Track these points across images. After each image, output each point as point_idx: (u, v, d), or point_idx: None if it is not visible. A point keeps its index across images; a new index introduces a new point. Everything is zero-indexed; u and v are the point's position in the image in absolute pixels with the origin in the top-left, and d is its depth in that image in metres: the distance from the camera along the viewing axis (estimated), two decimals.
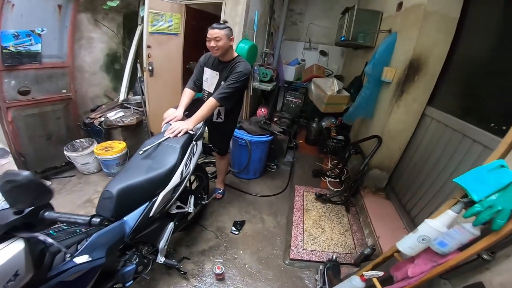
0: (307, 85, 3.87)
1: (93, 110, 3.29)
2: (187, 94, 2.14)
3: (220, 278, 1.78)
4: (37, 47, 2.45)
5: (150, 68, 3.07)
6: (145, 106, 3.24)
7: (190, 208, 1.82)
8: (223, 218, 2.46)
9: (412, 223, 2.14)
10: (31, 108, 2.58)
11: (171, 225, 1.66)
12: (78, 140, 3.00)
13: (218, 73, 2.00)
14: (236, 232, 2.29)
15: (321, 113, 3.56)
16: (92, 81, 3.18)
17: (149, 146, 1.54)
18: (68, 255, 0.97)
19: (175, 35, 3.24)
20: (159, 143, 1.59)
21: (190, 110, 2.09)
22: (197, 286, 1.78)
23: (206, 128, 2.32)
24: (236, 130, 2.84)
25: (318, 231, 2.31)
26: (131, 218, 1.29)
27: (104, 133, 3.08)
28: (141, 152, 1.50)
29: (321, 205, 2.65)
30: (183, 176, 1.58)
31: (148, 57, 3.00)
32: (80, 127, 3.08)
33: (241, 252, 2.10)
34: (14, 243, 0.84)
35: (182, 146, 1.61)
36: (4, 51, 2.27)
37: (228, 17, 2.89)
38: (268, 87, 3.29)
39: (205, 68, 2.08)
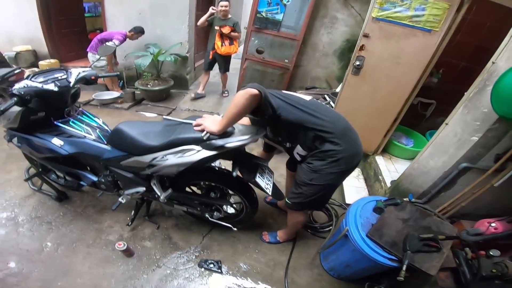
0: None
1: (307, 89, 3.32)
2: None
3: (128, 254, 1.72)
4: (279, 16, 2.78)
5: (358, 64, 2.32)
6: (334, 106, 2.68)
7: (161, 196, 1.60)
8: (219, 248, 1.85)
9: None
10: (259, 65, 3.20)
11: (139, 188, 1.63)
12: None
13: None
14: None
15: None
16: (320, 62, 3.09)
17: (177, 119, 1.51)
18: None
19: (426, 32, 2.03)
20: (181, 122, 1.47)
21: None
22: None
23: None
24: (371, 207, 1.60)
25: None
26: (111, 152, 1.52)
27: None
28: (164, 116, 1.60)
29: None
30: (153, 162, 1.41)
31: (361, 49, 2.25)
32: None
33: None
34: None
35: (176, 140, 1.35)
36: (258, 15, 2.85)
37: None
38: None
39: None
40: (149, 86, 3.78)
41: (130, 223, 1.90)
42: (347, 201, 2.39)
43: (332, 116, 1.34)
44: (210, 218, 1.77)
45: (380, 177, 2.52)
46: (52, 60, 4.11)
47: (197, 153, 1.31)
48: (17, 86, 1.43)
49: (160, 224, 1.96)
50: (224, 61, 3.82)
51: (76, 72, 1.66)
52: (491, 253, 1.36)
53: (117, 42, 3.40)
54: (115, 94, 3.72)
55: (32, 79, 1.50)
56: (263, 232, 1.97)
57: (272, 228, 2.04)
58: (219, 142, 1.29)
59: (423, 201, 1.87)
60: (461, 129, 1.70)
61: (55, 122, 1.60)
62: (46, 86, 1.48)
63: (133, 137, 1.40)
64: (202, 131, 1.30)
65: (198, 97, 4.13)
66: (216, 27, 3.43)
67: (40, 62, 4.03)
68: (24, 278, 1.55)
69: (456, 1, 1.94)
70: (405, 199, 1.68)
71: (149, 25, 3.77)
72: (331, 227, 2.08)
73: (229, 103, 4.10)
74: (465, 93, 2.09)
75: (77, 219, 1.96)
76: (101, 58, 3.51)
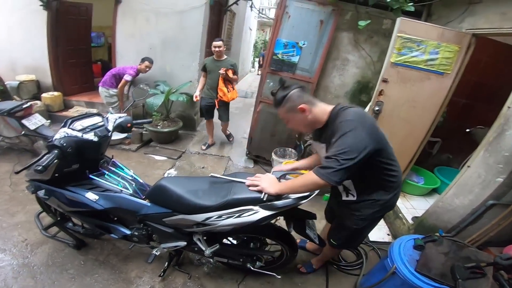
0: None
1: None
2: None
3: None
4: (295, 59, 3.01)
5: (377, 109, 2.53)
6: None
7: (207, 251, 1.57)
8: None
9: None
10: (272, 108, 3.32)
11: (180, 243, 1.60)
12: (290, 149, 3.40)
13: (324, 145, 1.39)
14: None
15: None
16: (331, 105, 3.32)
17: (222, 177, 1.53)
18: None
19: (439, 75, 2.31)
20: (231, 181, 1.49)
21: None
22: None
23: None
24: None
25: None
26: (151, 208, 1.49)
27: (304, 154, 3.24)
28: (210, 175, 1.57)
29: None
30: (207, 222, 1.40)
31: (380, 94, 2.48)
32: (296, 139, 3.47)
33: None
34: None
35: (233, 200, 1.35)
36: (274, 57, 3.06)
37: None
38: None
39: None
40: (158, 127, 3.74)
41: (162, 273, 1.82)
42: (370, 238, 2.47)
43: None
44: (252, 268, 1.74)
45: (400, 214, 2.63)
46: (56, 93, 4.05)
47: (256, 214, 1.33)
48: (57, 136, 1.41)
49: (191, 274, 1.90)
50: (226, 109, 3.66)
51: (112, 118, 1.64)
52: None
53: (129, 78, 3.48)
54: (122, 134, 3.66)
55: (71, 126, 1.47)
56: (298, 265, 2.07)
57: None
58: (281, 203, 1.32)
59: (452, 235, 2.02)
60: (485, 171, 1.90)
61: (89, 176, 1.56)
62: (86, 136, 1.46)
63: (181, 196, 1.37)
64: (259, 191, 1.34)
65: (209, 147, 3.97)
66: (221, 71, 3.26)
67: (43, 95, 3.95)
68: None
69: (465, 43, 2.19)
70: (436, 234, 1.81)
71: (159, 61, 3.86)
72: (361, 265, 2.18)
73: (237, 147, 4.14)
74: (482, 131, 2.33)
75: (101, 268, 1.87)
76: (113, 94, 3.55)
